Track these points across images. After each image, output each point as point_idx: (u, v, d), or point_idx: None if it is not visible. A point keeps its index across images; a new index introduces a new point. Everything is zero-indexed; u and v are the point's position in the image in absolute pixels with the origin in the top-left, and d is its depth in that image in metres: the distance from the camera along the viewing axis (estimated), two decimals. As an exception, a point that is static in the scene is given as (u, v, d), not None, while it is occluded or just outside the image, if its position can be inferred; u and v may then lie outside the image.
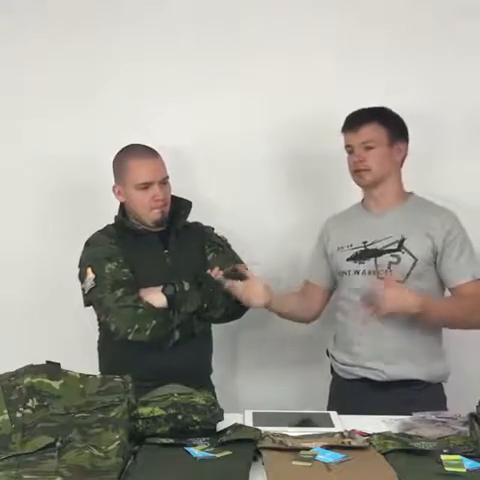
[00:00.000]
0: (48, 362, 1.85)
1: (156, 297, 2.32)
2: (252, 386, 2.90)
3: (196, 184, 2.84)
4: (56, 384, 1.81)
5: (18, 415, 1.75)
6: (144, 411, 1.81)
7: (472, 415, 1.83)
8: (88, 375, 1.87)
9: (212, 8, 2.83)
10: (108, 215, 2.52)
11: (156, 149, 2.45)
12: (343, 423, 1.99)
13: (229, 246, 2.56)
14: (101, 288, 2.34)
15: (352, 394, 2.33)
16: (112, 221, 2.52)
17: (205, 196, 2.81)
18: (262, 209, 2.90)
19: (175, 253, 2.46)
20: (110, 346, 2.45)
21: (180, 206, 2.52)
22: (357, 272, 2.37)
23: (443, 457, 1.67)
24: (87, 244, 2.46)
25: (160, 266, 2.42)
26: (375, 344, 2.33)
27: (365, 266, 2.36)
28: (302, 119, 2.82)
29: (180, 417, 1.81)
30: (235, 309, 2.43)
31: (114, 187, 2.48)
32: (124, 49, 2.85)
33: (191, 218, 2.55)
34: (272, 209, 2.90)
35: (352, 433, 1.87)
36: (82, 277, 2.40)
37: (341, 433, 1.88)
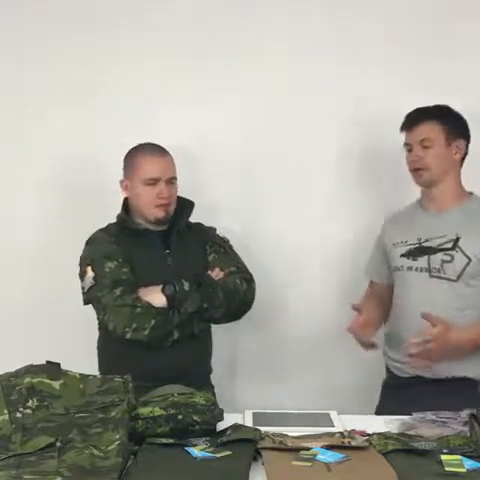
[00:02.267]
0: (48, 362, 1.85)
1: (156, 296, 2.32)
2: (252, 386, 2.90)
3: (195, 184, 2.84)
4: (56, 384, 1.81)
5: (18, 415, 1.75)
6: (144, 411, 1.81)
7: (472, 415, 1.83)
8: (88, 375, 1.87)
9: (212, 8, 2.83)
10: (109, 214, 2.52)
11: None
12: (343, 423, 1.99)
13: (231, 247, 2.56)
14: (100, 287, 2.35)
15: (406, 391, 2.33)
16: (114, 220, 2.52)
17: (204, 196, 2.81)
18: (262, 209, 2.90)
19: (176, 253, 2.46)
20: (109, 345, 2.45)
21: (183, 206, 2.52)
22: (410, 268, 2.38)
23: (443, 457, 1.67)
24: (87, 242, 2.47)
25: (161, 266, 2.43)
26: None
27: (418, 263, 2.37)
28: (302, 119, 2.82)
29: (180, 417, 1.81)
30: (235, 309, 2.43)
31: (122, 181, 2.49)
32: (124, 49, 2.85)
33: (193, 219, 2.55)
34: (273, 209, 2.90)
35: (352, 433, 1.87)
36: (82, 275, 2.41)
37: (341, 433, 1.88)
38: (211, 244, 2.53)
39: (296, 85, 2.81)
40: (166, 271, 2.41)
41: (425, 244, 2.37)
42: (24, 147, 2.89)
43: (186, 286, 2.33)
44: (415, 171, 2.39)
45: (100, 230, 2.49)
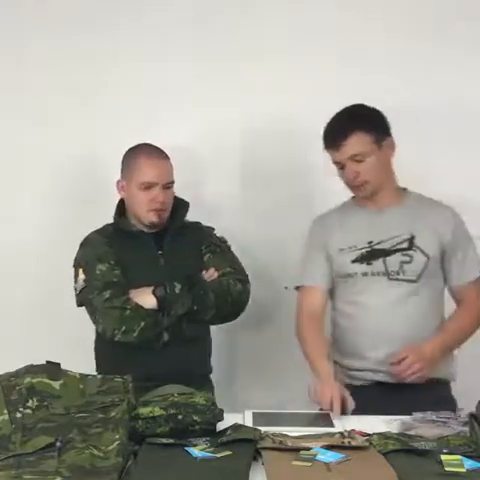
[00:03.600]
0: (48, 362, 1.85)
1: (146, 298, 2.32)
2: (252, 386, 2.91)
3: (196, 183, 2.84)
4: (56, 384, 1.81)
5: (18, 415, 1.74)
6: (144, 411, 1.81)
7: (472, 415, 1.83)
8: (88, 375, 1.87)
9: (212, 8, 2.83)
10: (109, 215, 2.52)
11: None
12: (343, 423, 1.99)
13: (228, 247, 2.54)
14: (91, 289, 2.35)
15: (364, 399, 2.18)
16: (112, 220, 2.52)
17: (204, 196, 2.81)
18: (261, 208, 2.90)
19: (169, 254, 2.44)
20: (105, 347, 2.45)
21: (178, 207, 2.51)
22: (365, 274, 2.29)
23: (443, 457, 1.67)
24: (81, 244, 2.47)
25: (153, 267, 2.41)
26: (390, 347, 2.25)
27: (373, 267, 2.28)
28: (302, 118, 2.82)
29: (180, 417, 1.81)
30: (227, 311, 2.41)
31: (118, 182, 2.47)
32: (124, 49, 2.85)
33: (194, 218, 2.55)
34: (274, 209, 2.90)
35: (352, 433, 1.87)
36: (75, 277, 2.41)
37: (341, 433, 1.88)
38: (207, 244, 2.51)
39: (296, 85, 2.81)
40: (158, 272, 2.40)
41: (377, 247, 2.27)
42: (24, 147, 2.89)
43: (177, 288, 2.32)
44: (355, 187, 2.28)
45: (95, 231, 2.49)
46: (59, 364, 1.85)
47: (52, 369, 1.83)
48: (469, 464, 1.64)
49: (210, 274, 2.43)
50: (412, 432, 1.89)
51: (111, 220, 2.51)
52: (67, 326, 2.82)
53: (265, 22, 2.83)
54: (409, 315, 2.26)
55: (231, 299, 2.39)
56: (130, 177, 2.43)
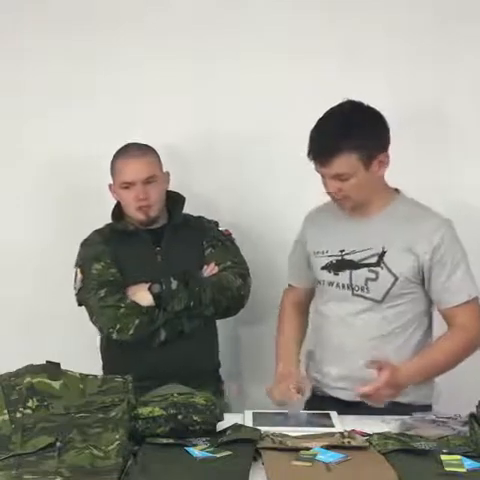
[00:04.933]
0: (48, 362, 1.85)
1: (143, 295, 2.33)
2: (252, 386, 2.90)
3: (196, 183, 2.84)
4: (56, 384, 1.82)
5: (18, 415, 1.75)
6: (144, 411, 1.81)
7: (472, 415, 1.83)
8: (88, 375, 1.87)
9: (212, 9, 2.83)
10: (109, 215, 2.53)
11: (154, 146, 2.49)
12: (343, 423, 1.99)
13: (231, 241, 2.53)
14: (87, 288, 2.38)
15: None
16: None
17: (205, 192, 2.81)
18: (259, 206, 2.90)
19: (167, 250, 2.45)
20: (109, 345, 2.46)
21: (174, 202, 2.52)
22: (331, 284, 2.17)
23: (443, 457, 1.68)
24: (81, 244, 2.49)
25: (150, 264, 2.43)
26: (345, 364, 2.15)
27: (340, 278, 2.14)
28: (302, 118, 2.82)
29: (180, 417, 1.81)
30: (227, 306, 2.41)
31: (110, 185, 2.50)
32: (124, 49, 2.84)
33: (199, 213, 2.57)
34: (269, 204, 2.90)
35: (352, 433, 1.87)
36: (74, 277, 2.44)
37: (341, 433, 1.88)
38: (208, 239, 2.51)
39: (296, 85, 2.81)
40: (155, 269, 2.41)
41: (347, 257, 2.12)
42: (23, 147, 2.89)
43: (174, 285, 2.32)
44: (335, 199, 2.12)
45: (94, 231, 2.51)
46: (59, 364, 1.85)
47: (52, 369, 1.84)
48: (469, 464, 1.64)
49: (210, 269, 2.43)
50: (412, 432, 1.89)
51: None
52: (73, 325, 2.78)
53: (265, 21, 2.82)
54: (367, 337, 2.12)
55: (230, 294, 2.39)
56: (114, 179, 2.47)
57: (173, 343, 2.37)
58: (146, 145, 2.49)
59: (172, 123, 2.81)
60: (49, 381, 1.81)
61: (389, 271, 2.08)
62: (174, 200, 2.53)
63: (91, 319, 2.40)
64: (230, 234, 2.55)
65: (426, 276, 2.08)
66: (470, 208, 2.72)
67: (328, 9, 2.80)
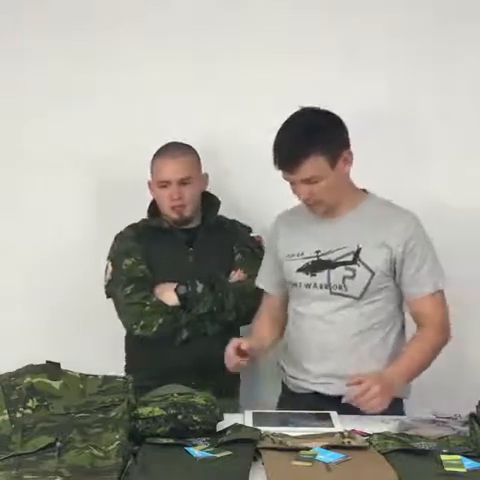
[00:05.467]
0: (48, 362, 1.85)
1: (169, 295, 2.39)
2: (253, 386, 2.90)
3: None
4: (56, 384, 1.82)
5: (18, 415, 1.75)
6: (144, 411, 1.81)
7: (472, 415, 1.83)
8: (88, 375, 1.87)
9: (213, 9, 2.83)
10: (109, 215, 2.53)
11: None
12: (343, 423, 1.99)
13: (261, 248, 2.53)
14: (115, 283, 2.45)
15: (302, 407, 2.12)
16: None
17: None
18: (258, 206, 2.89)
19: (199, 252, 2.49)
20: (132, 339, 2.51)
21: (209, 204, 2.57)
22: (308, 286, 2.18)
23: (443, 457, 1.67)
24: (115, 238, 2.55)
25: (181, 264, 2.47)
26: (325, 361, 2.18)
27: (317, 279, 2.16)
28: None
29: (180, 417, 1.81)
30: (247, 314, 2.44)
31: (149, 182, 2.54)
32: (125, 49, 2.84)
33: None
34: (270, 205, 2.90)
35: (352, 433, 1.87)
36: (105, 270, 2.50)
37: (341, 433, 1.88)
38: (239, 244, 2.55)
39: (296, 85, 2.81)
40: (186, 269, 2.45)
41: (323, 257, 2.14)
42: (24, 147, 2.89)
43: (199, 288, 2.38)
44: (308, 205, 2.15)
45: (128, 226, 2.56)
46: (59, 364, 1.86)
47: (52, 369, 1.84)
48: (469, 464, 1.64)
49: (237, 275, 2.48)
50: (412, 432, 1.89)
51: (107, 223, 2.61)
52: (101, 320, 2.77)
53: (265, 22, 2.82)
54: (347, 333, 2.15)
55: (252, 302, 2.41)
56: (152, 177, 2.52)
57: (195, 342, 2.41)
58: (187, 145, 2.54)
59: (172, 123, 2.81)
60: (49, 381, 1.81)
61: (366, 267, 2.12)
62: (209, 202, 2.57)
63: (117, 312, 2.46)
64: (260, 241, 2.57)
65: (398, 268, 2.13)
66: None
67: (328, 9, 2.80)
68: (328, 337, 2.18)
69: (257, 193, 2.86)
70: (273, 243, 2.32)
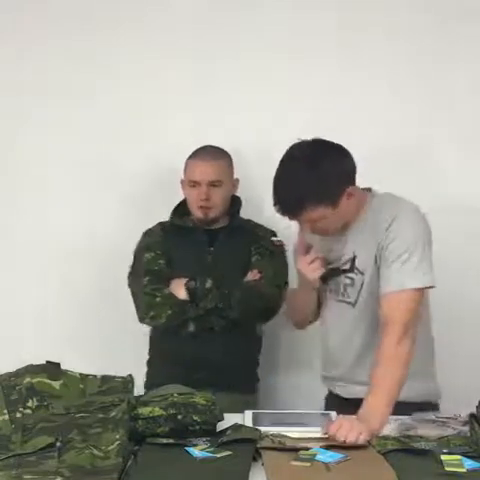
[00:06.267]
0: (48, 362, 1.85)
1: (180, 289, 2.48)
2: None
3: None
4: (56, 384, 1.82)
5: (18, 415, 1.75)
6: (144, 411, 1.81)
7: (472, 415, 1.83)
8: (88, 375, 1.87)
9: (213, 9, 2.83)
10: (109, 215, 2.53)
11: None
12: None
13: (281, 252, 2.56)
14: (135, 274, 2.56)
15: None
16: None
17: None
18: (258, 206, 2.90)
19: (219, 252, 2.58)
20: (153, 335, 2.63)
21: (233, 206, 2.65)
22: (324, 290, 2.23)
23: (443, 457, 1.67)
24: (143, 234, 2.64)
25: (201, 263, 2.56)
26: (338, 368, 2.21)
27: (329, 286, 2.20)
28: (302, 118, 2.82)
29: (180, 417, 1.81)
30: (255, 314, 2.53)
31: (181, 181, 2.63)
32: (125, 49, 2.85)
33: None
34: (264, 206, 2.89)
35: (352, 433, 1.87)
36: (131, 263, 2.59)
37: (341, 433, 1.87)
38: (257, 246, 2.61)
39: (297, 85, 2.81)
40: (204, 268, 2.54)
41: (330, 266, 2.17)
42: (24, 147, 2.89)
43: (208, 284, 2.47)
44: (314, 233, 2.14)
45: (158, 223, 2.65)
46: (59, 364, 1.86)
47: (52, 369, 1.84)
48: (469, 464, 1.64)
49: (253, 276, 2.54)
50: (412, 432, 1.89)
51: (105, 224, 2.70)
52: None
53: (266, 23, 2.82)
54: (353, 341, 2.16)
55: (262, 303, 2.50)
56: (185, 176, 2.61)
57: (204, 336, 2.49)
58: (222, 150, 2.62)
59: (172, 123, 2.82)
60: (49, 381, 1.81)
61: (360, 272, 2.11)
62: (233, 204, 2.65)
63: (134, 303, 2.54)
64: (282, 245, 2.58)
65: (378, 264, 2.07)
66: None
67: (328, 9, 2.80)
68: (336, 344, 2.20)
69: (255, 193, 2.87)
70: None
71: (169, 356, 2.55)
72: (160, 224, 2.66)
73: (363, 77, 2.80)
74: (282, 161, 2.07)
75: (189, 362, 2.46)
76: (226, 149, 2.73)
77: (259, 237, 2.63)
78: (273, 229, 2.63)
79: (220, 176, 2.57)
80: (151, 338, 2.66)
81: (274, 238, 2.61)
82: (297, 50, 2.81)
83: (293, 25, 2.81)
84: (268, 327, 2.69)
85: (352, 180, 2.07)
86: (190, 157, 2.60)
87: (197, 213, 2.58)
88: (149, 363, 2.64)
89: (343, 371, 2.20)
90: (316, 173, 1.98)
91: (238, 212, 2.67)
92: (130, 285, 2.58)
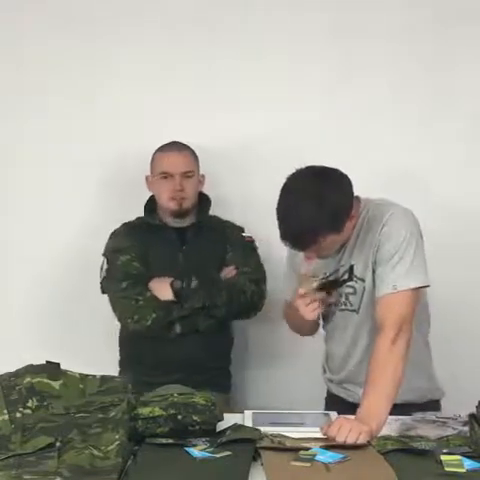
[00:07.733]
0: (48, 362, 1.85)
1: (164, 289, 2.44)
2: (252, 386, 2.90)
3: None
4: (56, 384, 1.81)
5: (18, 415, 1.75)
6: (144, 411, 1.81)
7: (472, 415, 1.83)
8: (88, 375, 1.87)
9: (213, 9, 2.83)
10: (110, 214, 2.53)
11: (152, 146, 2.59)
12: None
13: (253, 248, 2.62)
14: (111, 279, 2.50)
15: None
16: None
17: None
18: (258, 208, 2.89)
19: (190, 250, 2.56)
20: (126, 334, 2.58)
21: (202, 202, 2.63)
22: (327, 305, 2.20)
23: (443, 457, 1.67)
24: (110, 235, 2.60)
25: (173, 262, 2.53)
26: (343, 373, 2.24)
27: (331, 298, 2.18)
28: (302, 118, 2.82)
29: (180, 417, 1.81)
30: (240, 310, 2.52)
31: (146, 177, 2.61)
32: (125, 49, 2.85)
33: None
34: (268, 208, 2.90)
35: (352, 433, 1.87)
36: (100, 266, 2.55)
37: (341, 433, 1.87)
38: (231, 243, 2.61)
39: (297, 85, 2.81)
40: (176, 267, 2.51)
41: (330, 278, 2.16)
42: (24, 147, 2.89)
43: (194, 283, 2.44)
44: None
45: (124, 224, 2.62)
46: (59, 364, 1.85)
47: (52, 369, 1.84)
48: (469, 464, 1.64)
49: (228, 272, 2.54)
50: (412, 432, 1.89)
51: (107, 220, 2.65)
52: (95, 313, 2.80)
53: (266, 24, 2.82)
54: (357, 346, 2.17)
55: (244, 299, 2.50)
56: (153, 170, 2.59)
57: (186, 337, 2.47)
58: (188, 146, 2.61)
59: (172, 123, 2.82)
60: (49, 381, 1.81)
61: (360, 280, 2.12)
62: (202, 201, 2.63)
63: (112, 308, 2.51)
64: (253, 241, 2.63)
65: (374, 269, 2.08)
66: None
67: (328, 10, 2.80)
68: (342, 351, 2.22)
69: (254, 194, 2.87)
70: (293, 260, 2.26)
71: (143, 357, 2.51)
72: (125, 225, 2.62)
73: (363, 77, 2.79)
74: (285, 194, 2.04)
75: (166, 363, 2.44)
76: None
77: (231, 233, 2.63)
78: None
79: (192, 167, 2.57)
80: (122, 340, 2.62)
81: (244, 234, 2.64)
82: (297, 52, 2.81)
83: (293, 27, 2.81)
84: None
85: (352, 205, 2.06)
86: (158, 151, 2.59)
87: (170, 205, 2.54)
88: (121, 365, 2.60)
89: (347, 374, 2.22)
90: (324, 208, 1.96)
91: (208, 210, 2.64)
92: (107, 289, 2.53)
